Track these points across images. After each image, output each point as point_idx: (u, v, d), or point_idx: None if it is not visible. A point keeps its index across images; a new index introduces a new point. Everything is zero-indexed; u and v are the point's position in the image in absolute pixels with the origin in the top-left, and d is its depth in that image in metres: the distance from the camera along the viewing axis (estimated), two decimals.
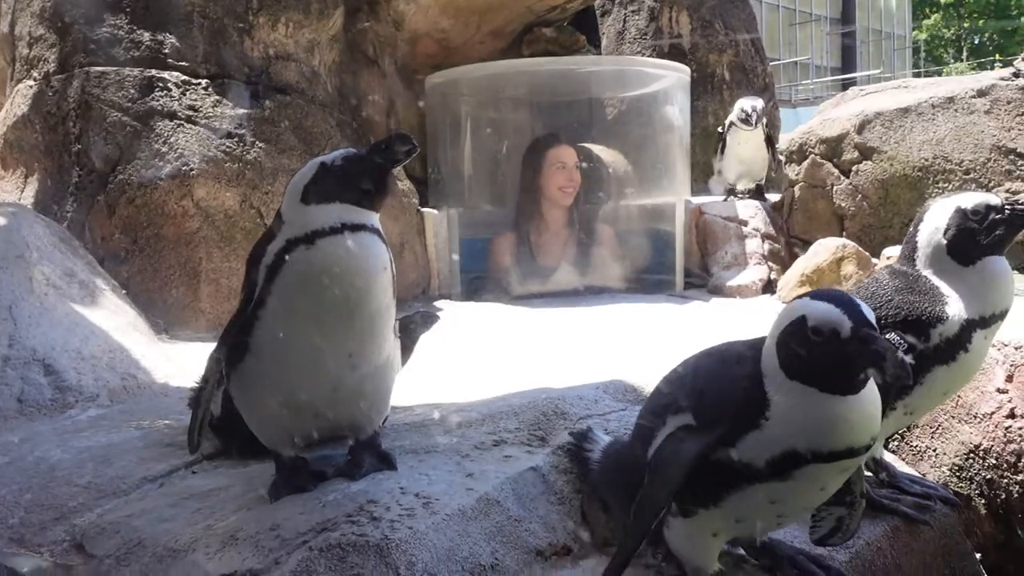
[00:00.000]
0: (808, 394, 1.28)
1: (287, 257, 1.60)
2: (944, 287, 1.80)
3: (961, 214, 1.79)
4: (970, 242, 1.79)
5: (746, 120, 5.08)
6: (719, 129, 5.42)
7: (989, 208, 1.78)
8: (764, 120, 5.15)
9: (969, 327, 1.76)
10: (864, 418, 1.29)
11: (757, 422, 1.31)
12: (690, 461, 1.34)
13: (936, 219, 1.83)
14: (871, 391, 1.31)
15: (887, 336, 1.76)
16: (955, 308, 1.76)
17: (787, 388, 1.29)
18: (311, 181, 1.66)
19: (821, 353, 1.26)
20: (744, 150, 5.18)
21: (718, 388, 1.39)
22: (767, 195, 5.18)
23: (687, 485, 1.36)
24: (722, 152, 5.32)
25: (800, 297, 1.34)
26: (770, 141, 5.27)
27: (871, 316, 1.27)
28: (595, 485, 1.75)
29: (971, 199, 1.81)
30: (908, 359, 1.25)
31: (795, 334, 1.29)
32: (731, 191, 5.25)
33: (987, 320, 1.78)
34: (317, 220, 1.61)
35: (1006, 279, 1.80)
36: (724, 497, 1.37)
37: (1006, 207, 1.78)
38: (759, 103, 5.17)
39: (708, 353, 1.47)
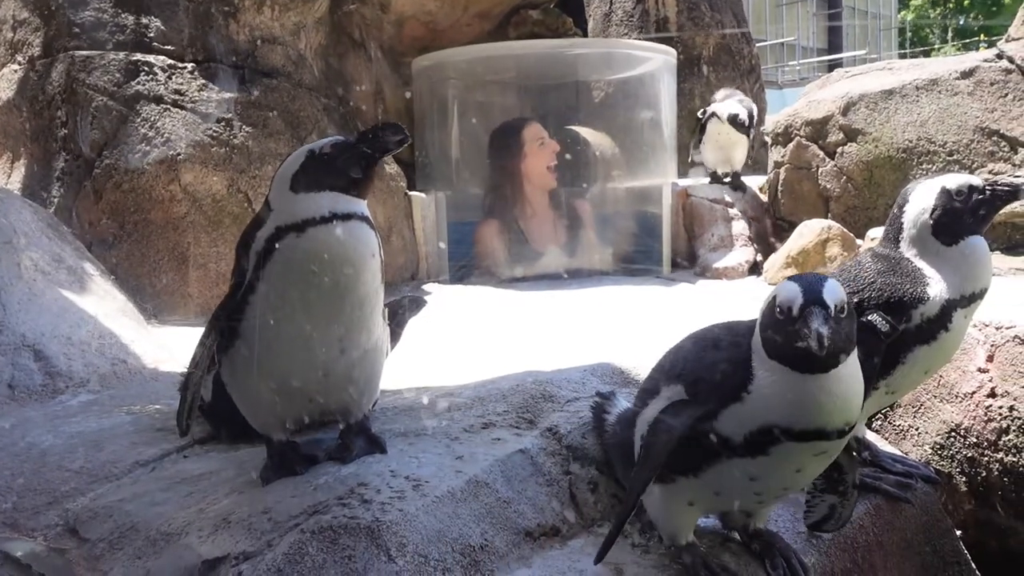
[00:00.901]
0: (784, 372, 1.31)
1: (277, 245, 1.61)
2: (926, 268, 1.82)
3: (947, 194, 1.82)
4: (955, 222, 1.82)
5: (737, 123, 4.86)
6: (698, 115, 5.26)
7: (972, 188, 1.81)
8: (749, 116, 4.96)
9: (950, 307, 1.80)
10: (836, 400, 1.31)
11: (739, 395, 1.35)
12: (677, 433, 1.38)
13: (922, 200, 1.85)
14: (850, 376, 1.33)
15: (869, 317, 1.79)
16: (936, 289, 1.79)
17: (768, 366, 1.33)
18: (299, 169, 1.67)
19: (781, 331, 1.30)
20: (725, 140, 5.03)
21: (710, 362, 1.43)
22: (744, 179, 5.08)
23: (674, 458, 1.40)
24: (700, 140, 5.15)
25: (788, 279, 1.38)
26: (750, 127, 5.13)
27: (833, 297, 1.29)
28: (605, 447, 1.80)
29: (955, 180, 1.84)
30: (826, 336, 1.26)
31: (767, 313, 1.34)
32: (714, 175, 5.15)
33: (967, 299, 1.82)
34: (307, 208, 1.62)
35: (986, 258, 1.84)
36: (704, 468, 1.41)
37: (987, 187, 1.82)
38: (752, 106, 5.03)
39: (706, 330, 1.51)
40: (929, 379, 2.25)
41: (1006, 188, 1.82)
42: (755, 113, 5.03)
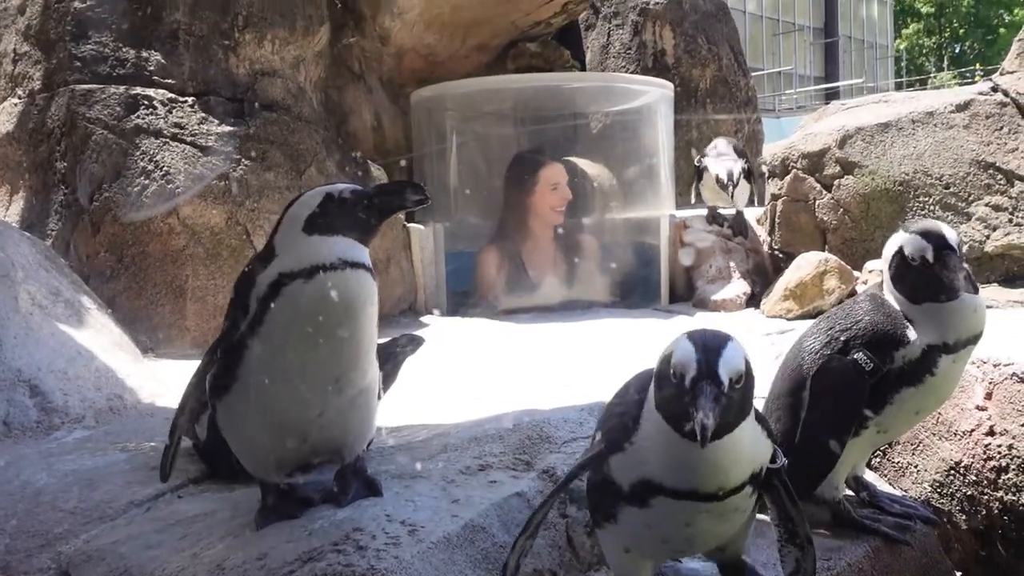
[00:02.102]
0: (662, 428, 1.30)
1: (283, 290, 1.60)
2: (908, 311, 1.83)
3: (900, 256, 1.82)
4: (912, 284, 1.82)
5: (723, 186, 4.72)
6: (695, 162, 5.09)
7: (924, 260, 1.77)
8: (743, 172, 4.78)
9: (932, 352, 1.79)
10: (712, 466, 1.29)
11: (622, 446, 1.35)
12: (568, 479, 1.43)
13: (888, 250, 1.86)
14: (736, 442, 1.30)
15: (855, 355, 1.81)
16: (917, 333, 1.80)
17: (654, 419, 1.32)
18: (316, 211, 1.66)
19: (670, 394, 1.28)
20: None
21: (612, 410, 1.46)
22: (746, 210, 4.97)
23: (595, 500, 1.44)
24: (698, 183, 5.05)
25: (690, 332, 1.34)
26: (749, 173, 4.91)
27: (729, 368, 1.24)
28: None
29: (912, 243, 1.80)
30: (711, 424, 1.24)
31: (661, 369, 1.31)
32: (714, 214, 5.00)
33: (952, 347, 1.81)
34: (317, 254, 1.62)
35: (965, 311, 1.81)
36: (615, 515, 1.42)
37: (934, 259, 1.77)
38: (736, 167, 4.77)
39: (638, 375, 1.50)
40: (925, 419, 2.23)
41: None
42: (749, 167, 4.90)
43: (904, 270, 1.81)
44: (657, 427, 1.31)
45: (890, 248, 1.86)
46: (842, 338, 1.87)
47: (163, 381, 3.01)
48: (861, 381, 1.81)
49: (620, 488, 1.36)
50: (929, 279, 1.78)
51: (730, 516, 1.39)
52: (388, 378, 2.00)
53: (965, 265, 1.80)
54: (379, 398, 1.87)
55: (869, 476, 2.22)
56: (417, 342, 2.12)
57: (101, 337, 3.05)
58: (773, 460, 1.42)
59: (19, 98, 3.95)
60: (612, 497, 1.39)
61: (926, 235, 1.79)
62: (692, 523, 1.36)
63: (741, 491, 1.34)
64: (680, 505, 1.32)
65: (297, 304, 1.60)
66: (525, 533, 1.48)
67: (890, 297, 1.86)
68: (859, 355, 1.81)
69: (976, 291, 1.83)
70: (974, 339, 1.84)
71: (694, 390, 1.23)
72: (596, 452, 1.41)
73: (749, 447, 1.34)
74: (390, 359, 1.98)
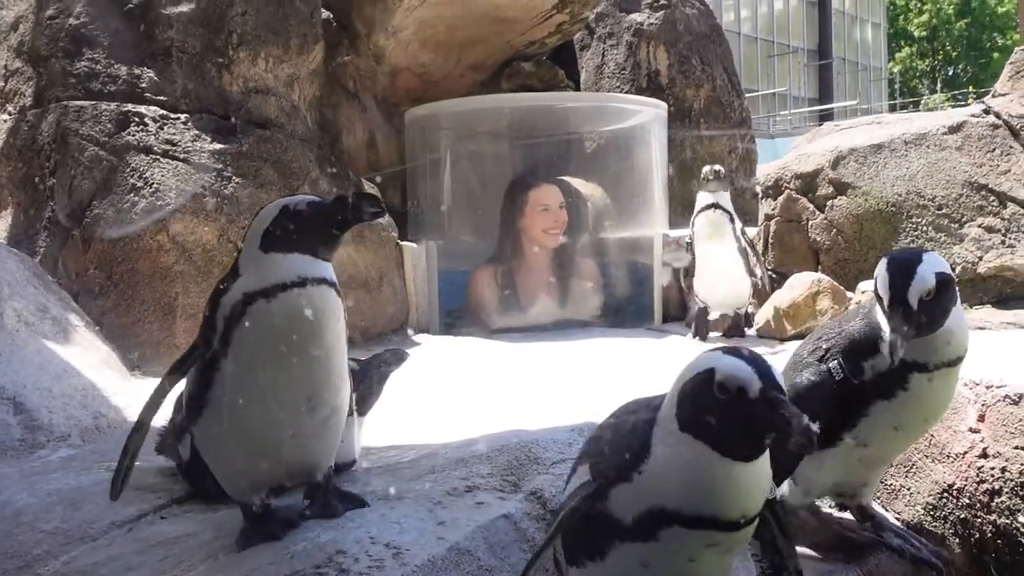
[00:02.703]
0: (694, 449, 1.25)
1: (247, 309, 1.58)
2: (885, 323, 1.76)
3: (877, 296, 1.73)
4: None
5: (714, 179, 4.16)
6: (687, 239, 4.35)
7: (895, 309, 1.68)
8: (736, 223, 4.18)
9: (904, 368, 1.74)
10: (738, 490, 1.25)
11: (630, 475, 1.29)
12: (572, 514, 1.34)
13: (877, 272, 1.76)
14: (760, 470, 1.27)
15: (828, 364, 1.81)
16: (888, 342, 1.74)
17: (675, 440, 1.27)
18: (271, 226, 1.63)
19: (723, 410, 1.23)
20: (720, 259, 4.18)
21: (608, 441, 1.39)
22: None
23: (577, 536, 1.36)
24: (692, 268, 4.31)
25: (711, 351, 1.31)
26: (750, 251, 4.26)
27: (780, 380, 1.24)
28: None
29: (879, 285, 1.72)
30: (815, 427, 1.21)
31: (699, 387, 1.26)
32: (703, 318, 4.26)
33: (927, 366, 1.76)
34: (276, 272, 1.60)
35: (945, 334, 1.75)
36: (605, 552, 1.34)
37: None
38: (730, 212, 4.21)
39: (625, 405, 1.45)
40: (912, 438, 2.12)
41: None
42: (726, 175, 4.30)
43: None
44: (682, 448, 1.26)
45: (879, 269, 1.78)
46: (824, 347, 1.88)
47: None
48: (827, 387, 1.80)
49: (619, 522, 1.30)
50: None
51: (734, 550, 1.34)
52: (372, 394, 1.99)
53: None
54: (362, 415, 1.85)
55: (878, 508, 2.18)
56: (400, 356, 2.10)
57: (88, 355, 3.03)
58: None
59: (10, 114, 3.94)
60: (606, 533, 1.32)
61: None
62: (697, 559, 1.30)
63: (755, 520, 1.30)
64: (693, 536, 1.27)
65: (261, 324, 1.58)
66: None
67: (877, 308, 1.82)
68: (833, 363, 1.81)
69: (936, 328, 1.73)
70: (953, 361, 1.79)
71: (768, 401, 1.20)
72: (597, 486, 1.33)
73: (767, 472, 1.30)
74: (374, 374, 1.96)
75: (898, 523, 2.23)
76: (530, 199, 4.66)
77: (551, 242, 4.71)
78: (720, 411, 1.23)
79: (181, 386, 1.75)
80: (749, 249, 4.24)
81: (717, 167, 4.25)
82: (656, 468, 1.28)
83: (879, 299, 1.74)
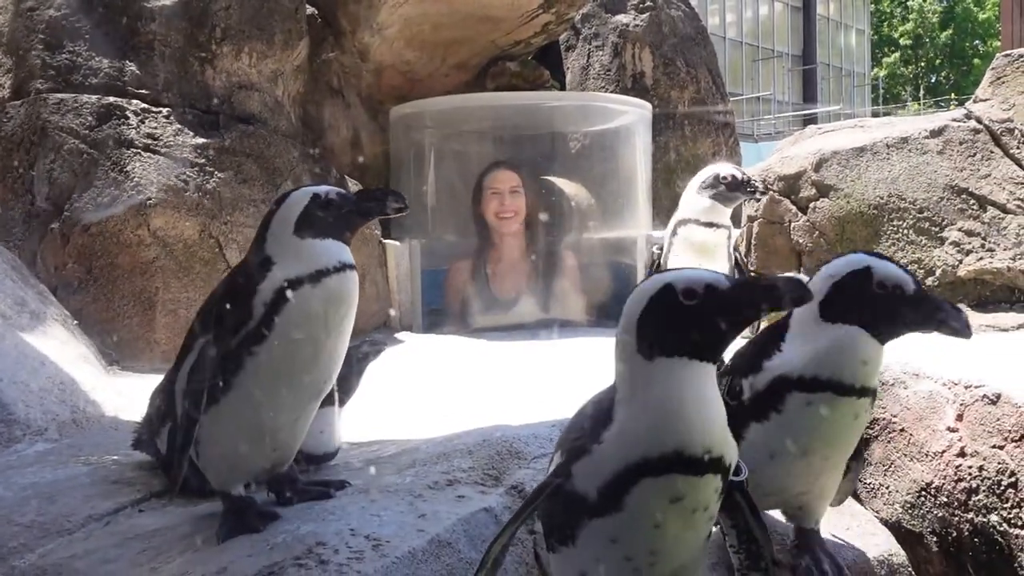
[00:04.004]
0: (666, 372, 1.28)
1: (290, 295, 1.61)
2: (789, 336, 1.68)
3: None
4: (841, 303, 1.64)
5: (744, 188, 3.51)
6: (654, 249, 3.72)
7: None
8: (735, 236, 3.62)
9: (781, 385, 1.63)
10: (700, 420, 1.27)
11: (590, 447, 1.31)
12: (531, 496, 1.37)
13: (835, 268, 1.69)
14: (717, 406, 1.30)
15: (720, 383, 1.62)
16: (775, 361, 1.65)
17: (645, 373, 1.30)
18: (304, 213, 1.67)
19: (696, 314, 1.28)
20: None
21: (572, 423, 1.43)
22: None
23: (551, 522, 1.38)
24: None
25: (642, 282, 1.37)
26: (738, 265, 3.75)
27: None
28: None
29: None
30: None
31: (663, 301, 1.31)
32: None
33: (810, 384, 1.62)
34: (319, 258, 1.65)
35: (854, 352, 1.62)
36: (576, 535, 1.35)
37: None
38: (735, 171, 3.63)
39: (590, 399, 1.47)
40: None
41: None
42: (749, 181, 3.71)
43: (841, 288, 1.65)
44: (644, 405, 1.28)
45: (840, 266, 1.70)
46: (727, 360, 1.80)
47: (128, 395, 2.95)
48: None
49: (584, 499, 1.31)
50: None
51: (698, 519, 1.33)
52: (351, 386, 1.99)
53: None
54: (342, 406, 1.87)
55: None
56: (378, 347, 2.10)
57: (67, 349, 3.00)
58: (737, 472, 1.38)
59: None
60: (574, 514, 1.33)
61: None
62: (663, 523, 1.31)
63: (719, 471, 1.30)
64: (658, 489, 1.27)
65: (306, 309, 1.62)
66: (481, 573, 1.40)
67: (793, 320, 1.71)
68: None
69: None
70: (843, 386, 1.61)
71: (746, 286, 1.33)
72: (556, 466, 1.36)
73: (723, 412, 1.32)
74: (353, 366, 1.97)
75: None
76: (483, 184, 4.68)
77: (505, 227, 4.68)
78: (696, 313, 1.28)
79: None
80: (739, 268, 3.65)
81: (731, 170, 3.51)
82: (617, 433, 1.29)
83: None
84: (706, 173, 3.49)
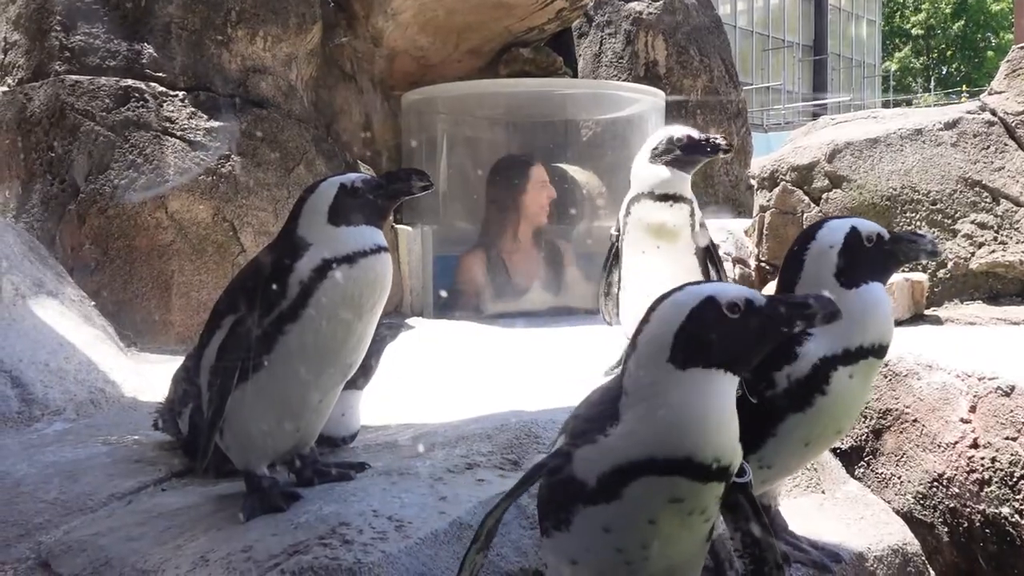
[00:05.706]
0: (696, 381, 1.27)
1: (328, 274, 1.65)
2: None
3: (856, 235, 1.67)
4: (859, 263, 1.65)
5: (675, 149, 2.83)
6: (611, 232, 3.14)
7: (880, 236, 1.68)
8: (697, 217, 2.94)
9: (825, 365, 1.61)
10: (714, 427, 1.27)
11: (595, 438, 1.31)
12: (529, 472, 1.39)
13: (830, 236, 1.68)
14: (734, 416, 1.30)
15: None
16: (809, 345, 1.61)
17: (672, 380, 1.28)
18: (335, 203, 1.71)
19: (737, 328, 1.28)
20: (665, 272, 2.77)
21: (580, 411, 1.42)
22: (731, 222, 4.41)
23: (547, 506, 1.38)
24: (615, 264, 3.13)
25: (667, 295, 1.34)
26: (711, 254, 3.00)
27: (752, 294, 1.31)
28: None
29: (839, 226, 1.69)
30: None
31: (706, 313, 1.29)
32: None
33: (852, 354, 1.61)
34: (355, 241, 1.69)
35: (883, 310, 1.66)
36: (570, 520, 1.34)
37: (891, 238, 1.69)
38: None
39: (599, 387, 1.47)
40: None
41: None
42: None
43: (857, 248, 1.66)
44: (661, 408, 1.27)
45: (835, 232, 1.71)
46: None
47: (145, 375, 2.98)
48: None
49: (583, 485, 1.30)
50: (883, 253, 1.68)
51: (695, 521, 1.33)
52: (370, 368, 2.01)
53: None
54: (360, 389, 1.90)
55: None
56: (397, 328, 2.12)
57: (84, 330, 3.02)
58: (741, 473, 1.37)
59: (8, 87, 3.91)
60: (570, 499, 1.33)
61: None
62: (658, 520, 1.30)
63: (723, 479, 1.30)
64: (660, 487, 1.27)
65: (343, 287, 1.65)
66: (475, 545, 1.40)
67: None
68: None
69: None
70: (877, 348, 1.64)
71: (782, 302, 1.31)
72: (563, 445, 1.36)
73: (736, 423, 1.32)
74: (371, 348, 1.98)
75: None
76: (532, 175, 4.71)
77: (543, 220, 4.74)
78: (733, 329, 1.29)
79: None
80: (713, 262, 3.02)
81: (685, 131, 2.89)
82: (627, 425, 1.29)
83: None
84: (656, 138, 2.92)
